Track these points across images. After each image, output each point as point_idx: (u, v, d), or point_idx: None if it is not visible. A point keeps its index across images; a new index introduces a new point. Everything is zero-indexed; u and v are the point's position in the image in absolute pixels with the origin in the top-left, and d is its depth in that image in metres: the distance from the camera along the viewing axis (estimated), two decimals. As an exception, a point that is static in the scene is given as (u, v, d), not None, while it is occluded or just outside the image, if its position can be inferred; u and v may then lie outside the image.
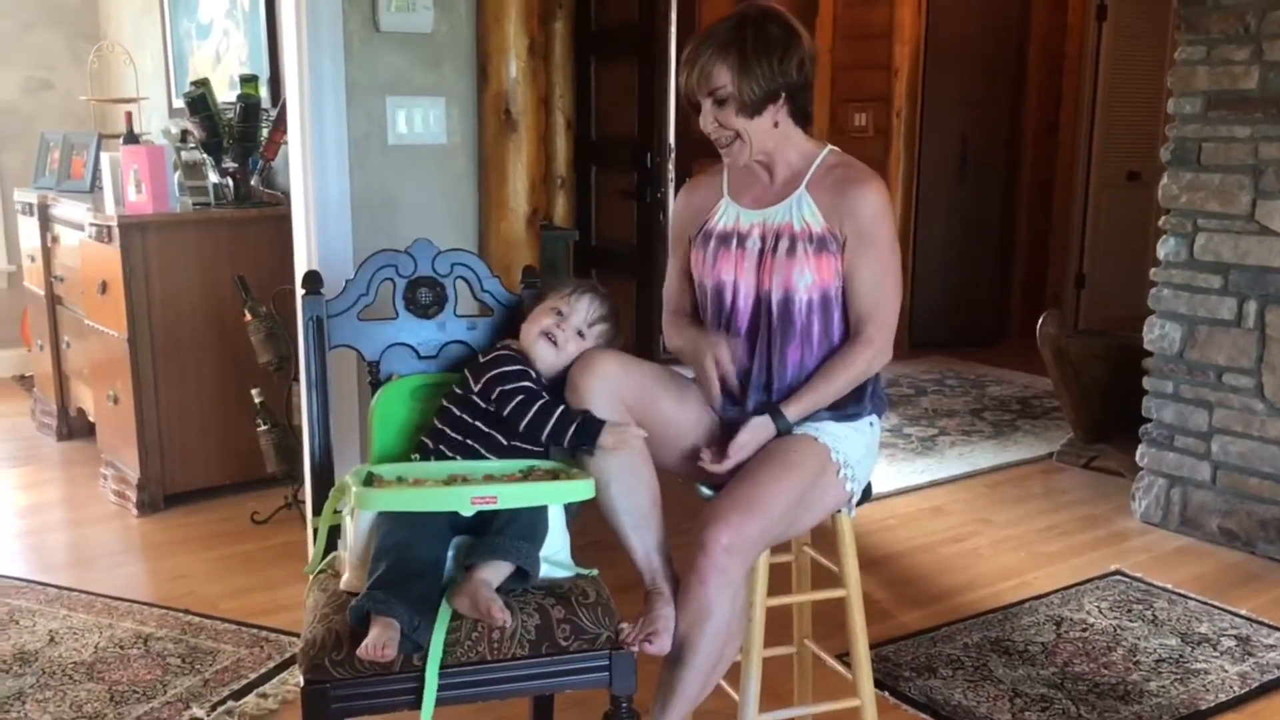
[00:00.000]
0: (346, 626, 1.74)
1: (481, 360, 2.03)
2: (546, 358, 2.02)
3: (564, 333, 2.02)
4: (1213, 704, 2.64)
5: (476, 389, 1.97)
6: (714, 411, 2.09)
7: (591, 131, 5.48)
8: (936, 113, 6.48)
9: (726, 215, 2.10)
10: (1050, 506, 4.02)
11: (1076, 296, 6.81)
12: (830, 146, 2.10)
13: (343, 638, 1.73)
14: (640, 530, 1.97)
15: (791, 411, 2.01)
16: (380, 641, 1.65)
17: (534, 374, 1.99)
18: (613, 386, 1.95)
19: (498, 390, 1.94)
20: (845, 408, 2.07)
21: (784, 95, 2.00)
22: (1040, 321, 4.25)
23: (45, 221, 4.61)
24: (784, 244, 2.02)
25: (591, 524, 2.02)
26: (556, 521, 1.92)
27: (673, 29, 4.92)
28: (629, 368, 2.00)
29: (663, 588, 1.95)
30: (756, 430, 2.00)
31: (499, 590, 1.77)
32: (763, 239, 2.05)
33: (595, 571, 1.96)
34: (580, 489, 1.88)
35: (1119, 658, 2.86)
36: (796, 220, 2.02)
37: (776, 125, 2.02)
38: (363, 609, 1.70)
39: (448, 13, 2.99)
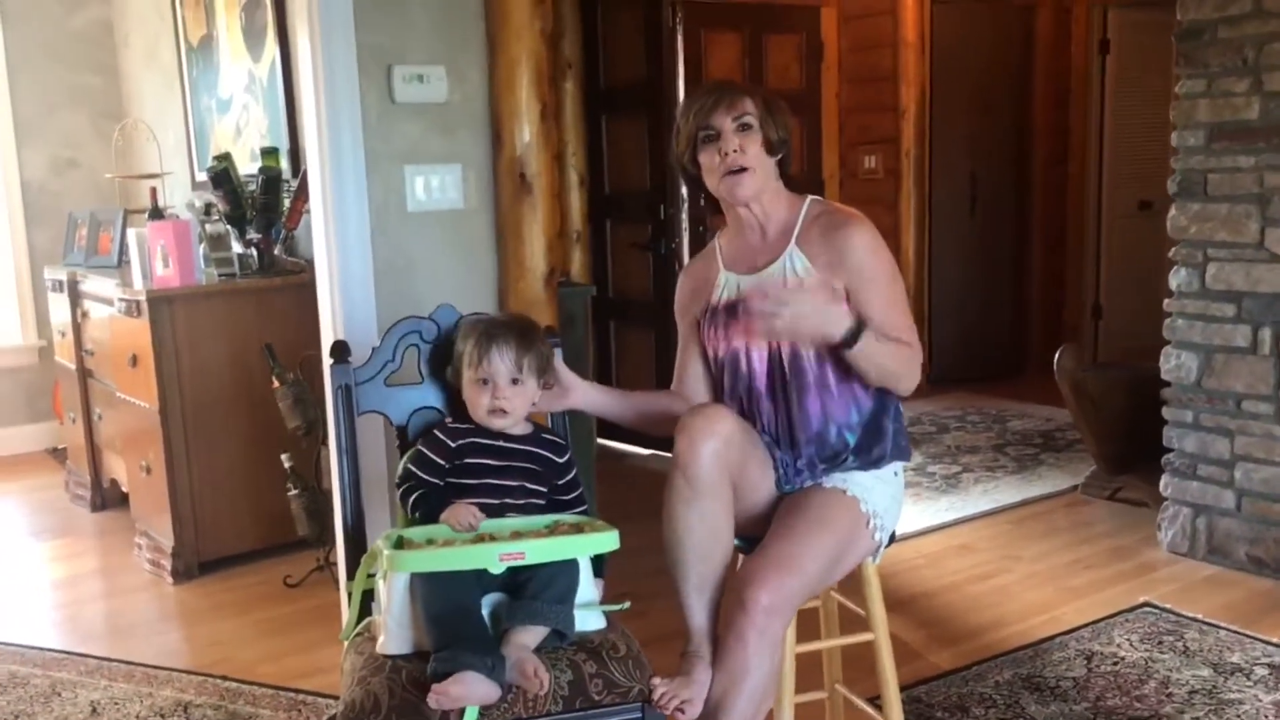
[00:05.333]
0: (384, 688, 1.78)
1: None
2: (508, 425, 2.05)
3: (503, 398, 2.03)
4: (1248, 734, 2.64)
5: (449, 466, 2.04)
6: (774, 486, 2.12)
7: (605, 186, 5.57)
8: (945, 152, 6.55)
9: (727, 287, 2.16)
10: (1077, 540, 4.03)
11: (1094, 327, 6.83)
12: (811, 197, 2.17)
13: (380, 700, 1.77)
14: (703, 592, 1.98)
15: (865, 333, 1.97)
16: (460, 694, 1.71)
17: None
18: (725, 449, 1.95)
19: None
20: (869, 451, 2.10)
21: (784, 153, 2.12)
22: (1057, 356, 4.28)
23: (75, 297, 4.71)
24: None
25: (622, 574, 2.05)
26: (584, 569, 1.96)
27: (680, 84, 5.02)
28: (739, 431, 2.00)
29: (706, 653, 1.96)
30: (828, 304, 1.97)
31: (535, 650, 1.82)
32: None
33: (626, 605, 2.00)
34: (604, 540, 1.92)
35: (1151, 690, 2.86)
36: (790, 277, 2.08)
37: (776, 178, 2.13)
38: (438, 673, 1.74)
39: (461, 82, 3.07)
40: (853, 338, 1.96)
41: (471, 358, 2.05)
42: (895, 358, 2.03)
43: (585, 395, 2.21)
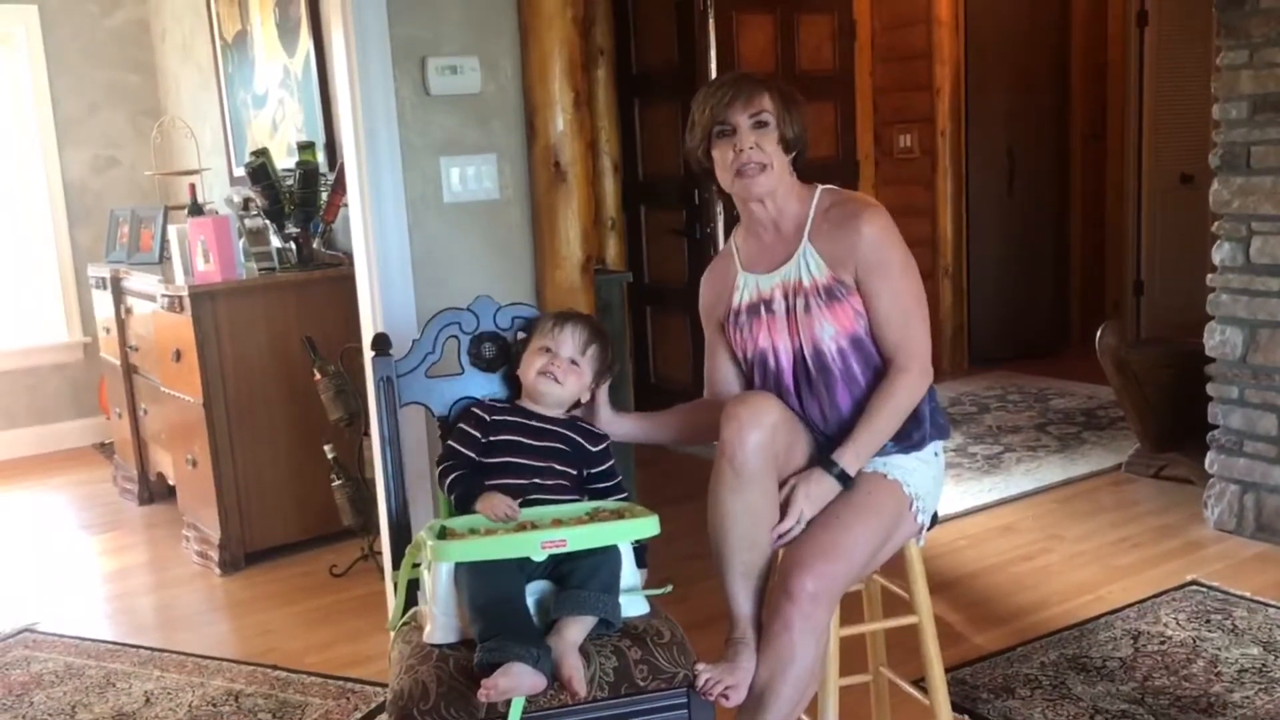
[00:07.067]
0: (433, 677, 1.80)
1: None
2: (552, 393, 2.11)
3: (559, 368, 2.10)
4: (1299, 712, 2.62)
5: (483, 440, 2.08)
6: None
7: (638, 172, 5.56)
8: (981, 129, 6.49)
9: (747, 289, 2.15)
10: (1122, 518, 3.99)
11: (1136, 304, 6.73)
12: (822, 187, 2.14)
13: (429, 688, 1.79)
14: (748, 580, 1.98)
15: (847, 461, 2.01)
16: (508, 686, 1.72)
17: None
18: (771, 438, 1.96)
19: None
20: (909, 436, 2.09)
21: (800, 148, 2.10)
22: (1099, 333, 4.24)
23: (118, 294, 4.78)
24: (801, 302, 2.06)
25: (663, 559, 2.06)
26: (626, 556, 1.97)
27: (713, 67, 5.00)
28: (785, 420, 2.01)
29: (751, 640, 1.96)
30: (810, 483, 1.99)
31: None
32: (785, 298, 2.09)
33: (669, 589, 2.01)
34: (645, 526, 1.92)
35: (1200, 669, 2.84)
36: (805, 276, 2.07)
37: (790, 173, 2.11)
38: (484, 664, 1.76)
39: (494, 73, 3.08)
40: (847, 477, 2.02)
41: (543, 328, 2.15)
42: (892, 422, 2.04)
43: (611, 426, 2.20)
